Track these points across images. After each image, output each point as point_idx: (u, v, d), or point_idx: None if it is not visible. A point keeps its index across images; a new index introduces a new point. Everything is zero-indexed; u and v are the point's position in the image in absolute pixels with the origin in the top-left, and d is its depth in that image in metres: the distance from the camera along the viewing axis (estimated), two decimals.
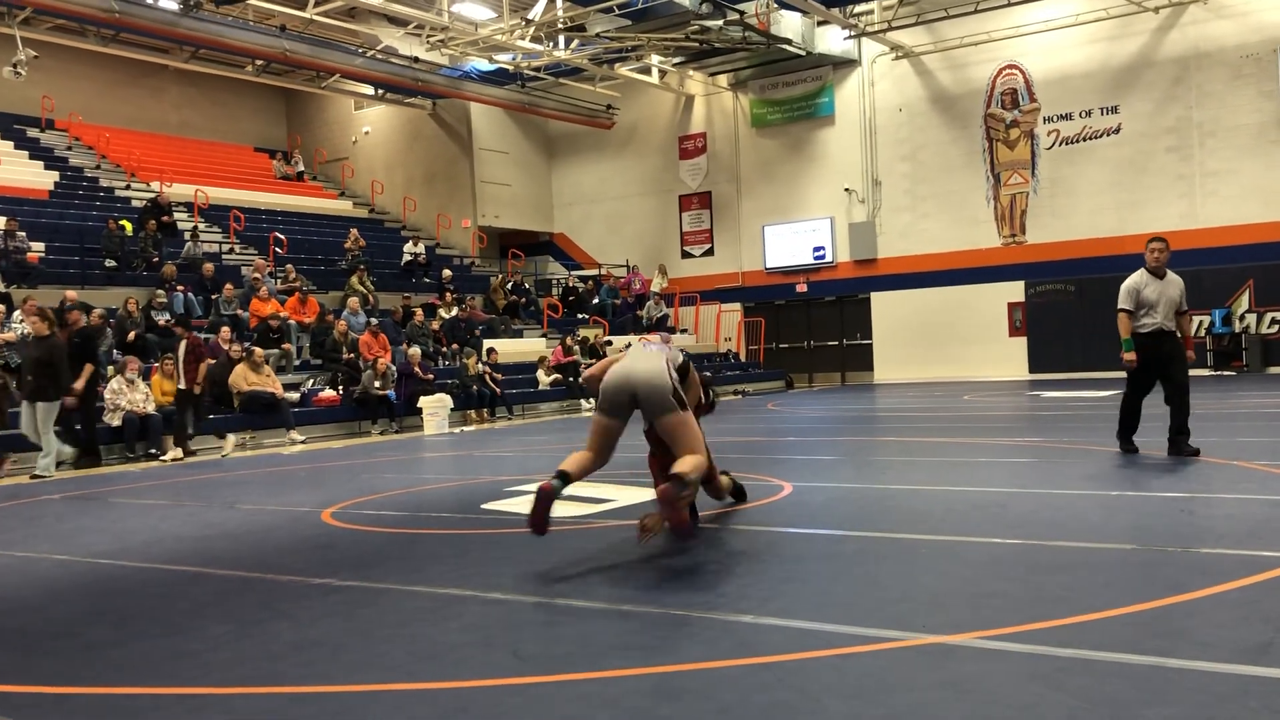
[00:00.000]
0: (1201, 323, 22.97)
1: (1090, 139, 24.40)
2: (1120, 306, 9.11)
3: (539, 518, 5.76)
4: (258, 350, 16.34)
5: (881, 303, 27.21)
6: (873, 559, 5.61)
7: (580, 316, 27.11)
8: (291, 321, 18.98)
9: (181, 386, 14.43)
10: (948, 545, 5.85)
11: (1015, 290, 25.33)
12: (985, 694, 3.37)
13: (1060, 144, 24.76)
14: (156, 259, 19.90)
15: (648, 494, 8.25)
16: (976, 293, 25.62)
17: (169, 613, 5.11)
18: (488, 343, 21.45)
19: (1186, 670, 3.48)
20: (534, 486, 8.96)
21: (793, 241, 28.32)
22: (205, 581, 5.85)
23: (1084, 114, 24.42)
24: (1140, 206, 23.78)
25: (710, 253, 29.89)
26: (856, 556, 5.71)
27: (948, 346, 26.03)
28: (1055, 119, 24.78)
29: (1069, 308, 24.64)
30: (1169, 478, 7.92)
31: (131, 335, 16.34)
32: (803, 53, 25.90)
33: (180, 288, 18.85)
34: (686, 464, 5.72)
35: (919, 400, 19.26)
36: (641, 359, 6.11)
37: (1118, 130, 24.04)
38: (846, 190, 27.42)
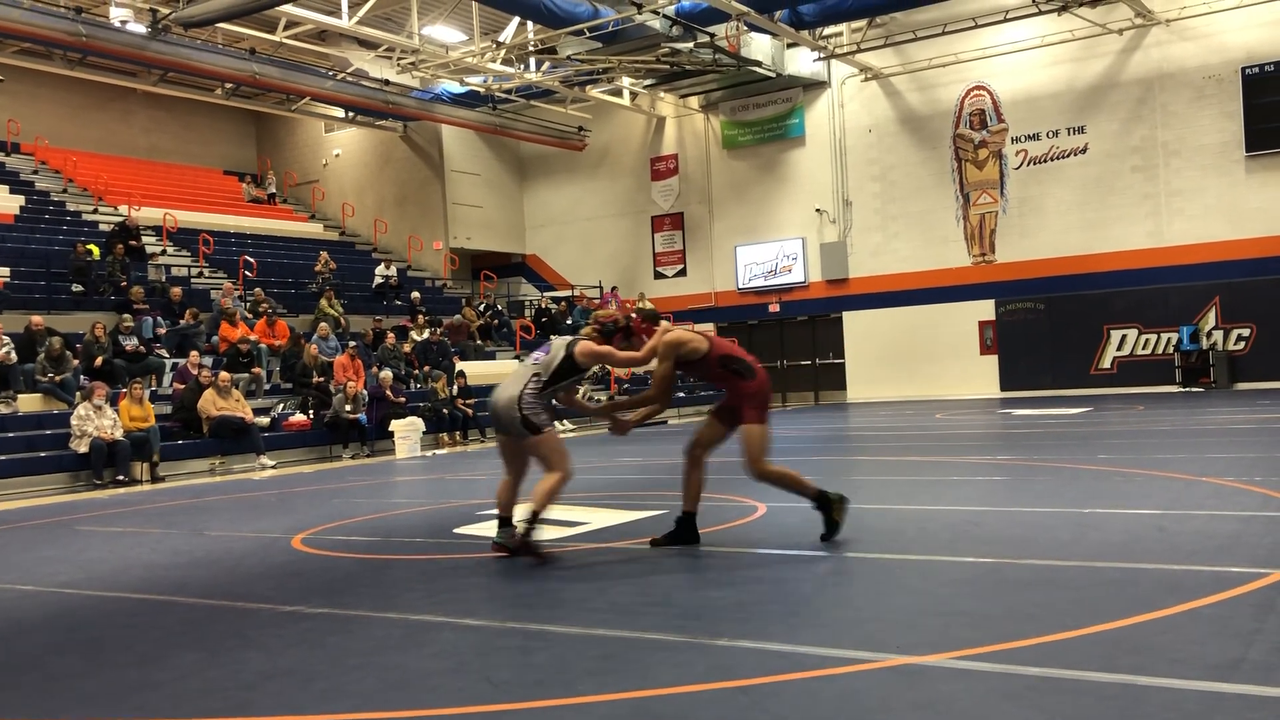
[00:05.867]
0: (1169, 340, 23.22)
1: (1057, 159, 24.67)
2: None
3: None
4: (223, 374, 16.22)
5: (854, 322, 27.33)
6: (846, 579, 5.62)
7: (553, 338, 27.03)
8: (262, 345, 18.85)
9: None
10: (920, 564, 5.87)
11: (985, 309, 25.52)
12: (958, 714, 3.37)
13: (1028, 164, 25.01)
14: (124, 283, 19.73)
15: (624, 516, 8.24)
16: (947, 311, 25.78)
17: (137, 642, 5.04)
18: (460, 364, 21.37)
19: (1158, 688, 3.49)
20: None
21: (765, 262, 28.44)
22: (174, 610, 5.78)
23: (1051, 134, 24.69)
24: (1107, 225, 24.05)
25: (683, 273, 29.96)
26: (830, 577, 5.71)
27: (919, 365, 26.17)
28: (1023, 139, 25.03)
29: (1039, 326, 24.84)
30: (1139, 495, 7.98)
31: (99, 361, 16.17)
32: (773, 74, 26.09)
33: (152, 311, 18.68)
34: (535, 496, 6.20)
35: (891, 419, 19.33)
36: (506, 384, 6.43)
37: (1084, 150, 24.31)
38: (818, 210, 27.58)
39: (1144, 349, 23.60)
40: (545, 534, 7.45)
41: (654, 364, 6.42)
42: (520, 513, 6.44)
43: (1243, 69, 22.44)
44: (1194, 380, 22.68)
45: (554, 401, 6.46)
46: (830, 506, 6.51)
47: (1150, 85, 23.49)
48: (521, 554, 6.14)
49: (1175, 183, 23.33)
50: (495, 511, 6.68)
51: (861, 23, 24.93)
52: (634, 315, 6.80)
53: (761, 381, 6.53)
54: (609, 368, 24.67)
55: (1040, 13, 22.74)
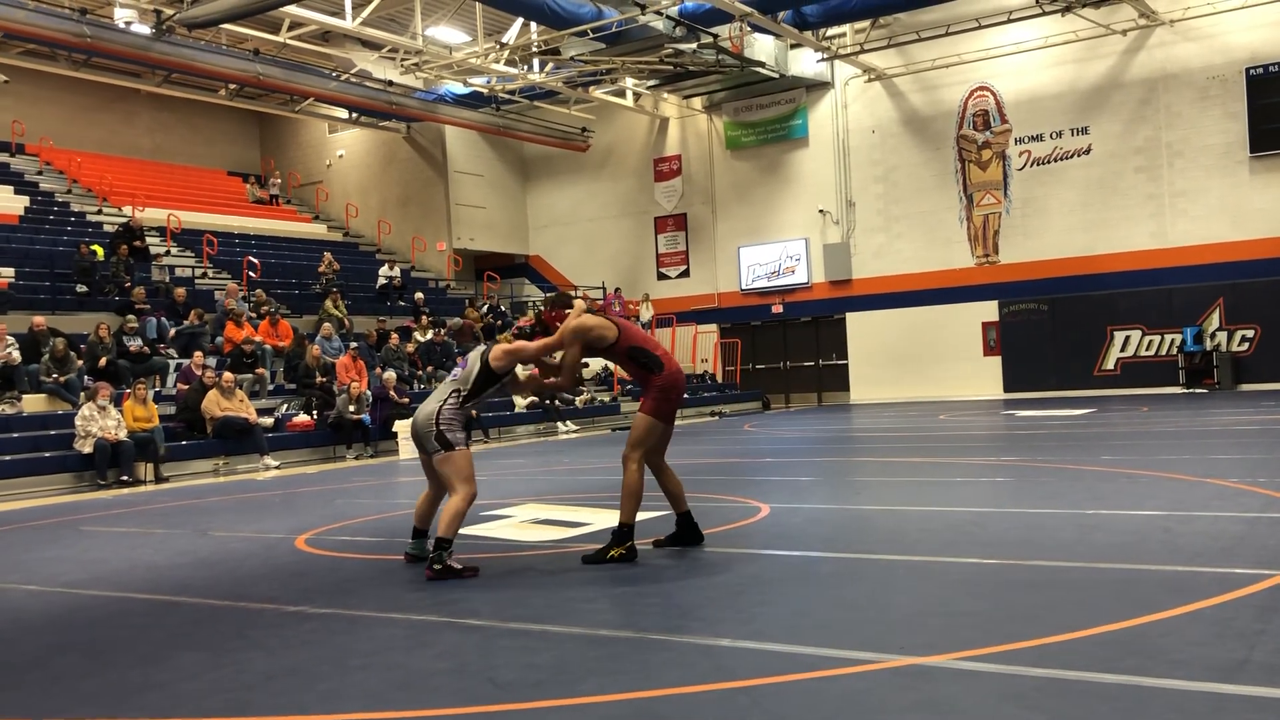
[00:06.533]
0: (1173, 341, 23.19)
1: (1061, 159, 24.65)
2: None
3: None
4: (227, 375, 16.23)
5: (857, 323, 27.32)
6: (849, 580, 5.61)
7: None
8: (266, 346, 18.87)
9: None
10: (923, 565, 5.86)
11: (989, 310, 25.49)
12: (961, 715, 3.37)
13: (1031, 165, 24.99)
14: (128, 284, 19.75)
15: None
16: (951, 312, 25.77)
17: (141, 642, 5.05)
18: None
19: (1161, 689, 3.49)
20: (509, 512, 8.96)
21: (768, 263, 28.44)
22: (178, 610, 5.78)
23: (1054, 135, 24.67)
24: (1111, 226, 24.02)
25: (686, 274, 29.96)
26: (833, 578, 5.71)
27: (923, 366, 26.15)
28: (1026, 140, 25.01)
29: (1042, 327, 24.83)
30: (1143, 496, 7.96)
31: (103, 361, 16.19)
32: (776, 75, 26.08)
33: (155, 312, 18.69)
34: (441, 523, 6.14)
35: (895, 420, 19.32)
36: (427, 401, 6.44)
37: (1088, 151, 24.29)
38: (821, 211, 27.57)
39: (1148, 350, 23.57)
40: (548, 535, 7.45)
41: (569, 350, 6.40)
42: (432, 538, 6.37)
43: (1247, 70, 22.41)
44: (1198, 381, 22.64)
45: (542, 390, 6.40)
46: (619, 543, 6.30)
47: (1154, 86, 23.47)
48: (446, 578, 6.04)
49: (1179, 183, 23.31)
50: (438, 524, 6.54)
51: (865, 23, 24.92)
52: (543, 308, 6.71)
53: (669, 377, 6.41)
54: (611, 368, 24.72)
55: (1044, 13, 22.71)
